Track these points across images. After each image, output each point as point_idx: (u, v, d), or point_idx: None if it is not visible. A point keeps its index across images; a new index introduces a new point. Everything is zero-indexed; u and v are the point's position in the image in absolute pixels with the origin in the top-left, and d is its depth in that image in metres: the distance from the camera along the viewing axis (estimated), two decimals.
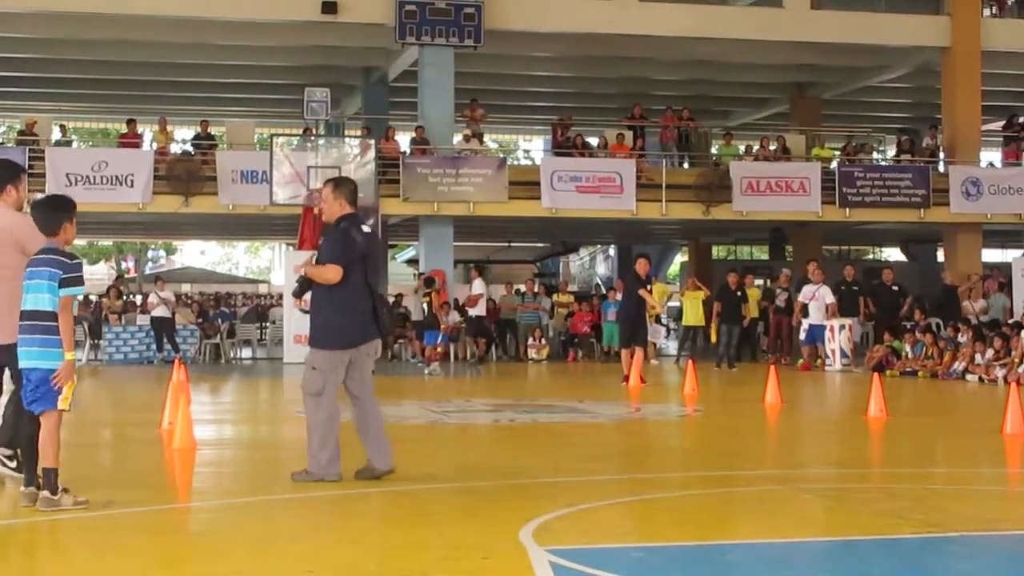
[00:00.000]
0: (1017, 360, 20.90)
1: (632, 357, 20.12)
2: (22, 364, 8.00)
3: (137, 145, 29.87)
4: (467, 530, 7.53)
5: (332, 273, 9.09)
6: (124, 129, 31.04)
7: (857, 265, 34.25)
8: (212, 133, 31.20)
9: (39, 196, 8.48)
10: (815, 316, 24.97)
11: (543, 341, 29.20)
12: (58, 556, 6.85)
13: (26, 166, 27.02)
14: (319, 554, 6.89)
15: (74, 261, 8.07)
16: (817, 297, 25.02)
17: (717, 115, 41.65)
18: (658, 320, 25.90)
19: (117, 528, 7.74)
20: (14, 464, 8.96)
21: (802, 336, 25.31)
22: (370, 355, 9.38)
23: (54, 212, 8.15)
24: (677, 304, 33.68)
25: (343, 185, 9.55)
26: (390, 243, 40.80)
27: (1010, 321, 24.05)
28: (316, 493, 9.17)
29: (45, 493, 7.96)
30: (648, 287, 20.31)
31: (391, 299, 26.22)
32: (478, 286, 28.53)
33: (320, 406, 9.17)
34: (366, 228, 9.53)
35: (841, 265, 32.88)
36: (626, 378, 19.91)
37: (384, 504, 8.65)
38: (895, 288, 26.65)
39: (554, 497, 8.59)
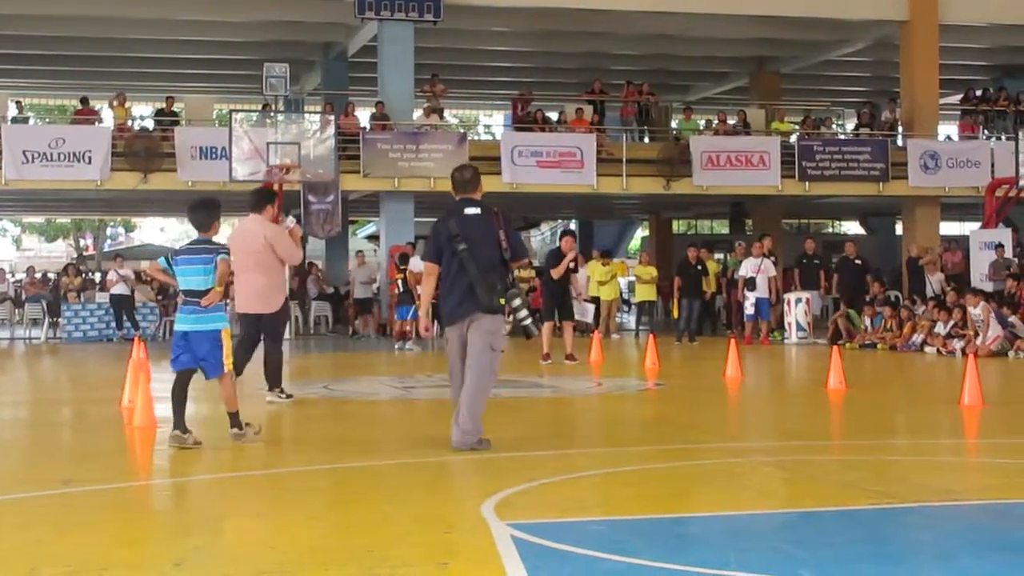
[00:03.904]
0: (972, 333, 21.10)
1: (553, 332, 19.94)
2: (188, 328, 9.93)
3: (91, 122, 29.61)
4: (429, 505, 7.53)
5: (424, 273, 10.06)
6: (80, 106, 30.82)
7: (817, 238, 34.42)
8: (175, 110, 31.02)
9: (194, 199, 10.48)
10: (762, 289, 25.05)
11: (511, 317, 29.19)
12: (18, 534, 6.81)
13: None
14: (281, 531, 6.88)
15: (223, 245, 10.31)
16: (763, 270, 25.11)
17: (677, 90, 41.68)
18: (596, 300, 25.88)
19: (78, 506, 7.70)
20: (285, 395, 13.24)
21: (749, 311, 25.31)
22: (479, 330, 9.61)
23: (209, 213, 10.17)
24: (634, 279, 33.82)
25: (452, 175, 10.01)
26: (350, 219, 40.69)
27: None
28: (279, 470, 9.17)
29: (235, 430, 10.24)
30: (573, 263, 19.95)
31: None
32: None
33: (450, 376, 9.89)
34: (471, 210, 9.69)
35: (801, 239, 33.04)
36: (546, 355, 19.47)
37: (346, 480, 8.65)
38: (858, 262, 26.74)
39: (516, 472, 8.61)
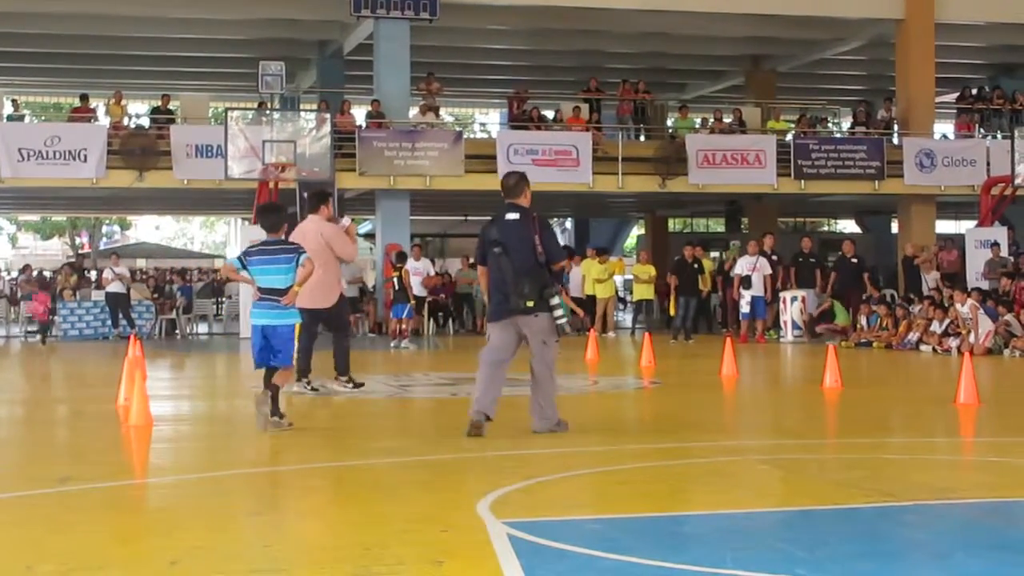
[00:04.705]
0: (964, 331, 21.11)
1: None
2: (266, 322, 10.54)
3: (87, 120, 29.56)
4: (425, 503, 7.53)
5: (479, 274, 11.03)
6: (77, 103, 30.76)
7: (813, 237, 34.41)
8: (171, 108, 30.98)
9: (262, 203, 11.07)
10: (758, 287, 25.07)
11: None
12: (14, 532, 6.80)
13: None
14: (277, 529, 6.88)
15: (299, 245, 10.94)
16: (758, 268, 25.12)
17: (673, 88, 41.66)
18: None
19: (74, 504, 7.70)
20: (351, 385, 14.13)
21: (745, 309, 25.35)
22: (530, 331, 10.31)
23: (279, 216, 11.01)
24: (631, 278, 33.78)
25: (501, 180, 10.96)
26: None
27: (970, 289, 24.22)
28: (275, 468, 9.17)
29: (275, 418, 10.64)
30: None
31: None
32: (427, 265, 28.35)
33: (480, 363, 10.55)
34: (511, 216, 10.48)
35: (797, 237, 33.02)
36: None
37: (342, 478, 8.65)
38: (855, 261, 26.71)
39: (511, 470, 8.61)
